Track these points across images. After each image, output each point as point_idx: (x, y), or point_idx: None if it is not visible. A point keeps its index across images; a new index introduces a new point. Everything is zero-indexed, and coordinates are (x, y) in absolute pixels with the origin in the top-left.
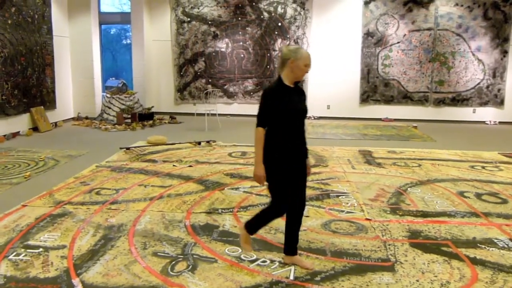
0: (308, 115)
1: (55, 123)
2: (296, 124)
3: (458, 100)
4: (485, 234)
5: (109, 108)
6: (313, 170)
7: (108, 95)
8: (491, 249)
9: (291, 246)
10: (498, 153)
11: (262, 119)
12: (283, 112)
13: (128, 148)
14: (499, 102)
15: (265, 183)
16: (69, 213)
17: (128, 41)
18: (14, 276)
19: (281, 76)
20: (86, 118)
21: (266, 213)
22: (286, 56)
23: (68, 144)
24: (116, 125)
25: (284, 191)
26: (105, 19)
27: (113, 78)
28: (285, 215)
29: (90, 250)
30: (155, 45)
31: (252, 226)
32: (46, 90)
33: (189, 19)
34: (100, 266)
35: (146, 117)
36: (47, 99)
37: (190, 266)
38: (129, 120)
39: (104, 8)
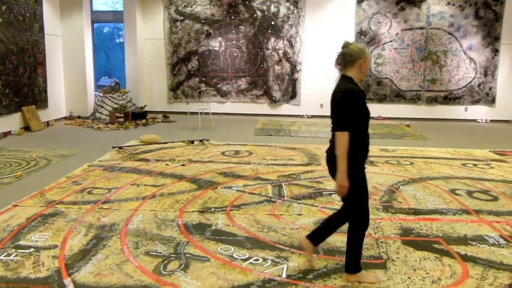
0: (301, 114)
1: (47, 122)
2: (367, 127)
3: (450, 98)
4: (476, 231)
5: (102, 107)
6: (305, 168)
7: (101, 94)
8: (481, 246)
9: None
10: (490, 151)
11: (347, 122)
12: (365, 114)
13: (120, 147)
14: (491, 100)
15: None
16: (61, 212)
17: (121, 40)
18: (5, 277)
19: (351, 77)
20: (79, 117)
21: (355, 237)
22: (357, 56)
23: (60, 143)
24: (109, 124)
25: (366, 199)
26: (97, 17)
27: (106, 77)
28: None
29: (81, 249)
30: (148, 43)
31: (351, 264)
32: (38, 89)
33: (182, 17)
34: (91, 266)
35: (139, 116)
36: (39, 98)
37: (183, 265)
38: (122, 119)
39: (97, 6)
